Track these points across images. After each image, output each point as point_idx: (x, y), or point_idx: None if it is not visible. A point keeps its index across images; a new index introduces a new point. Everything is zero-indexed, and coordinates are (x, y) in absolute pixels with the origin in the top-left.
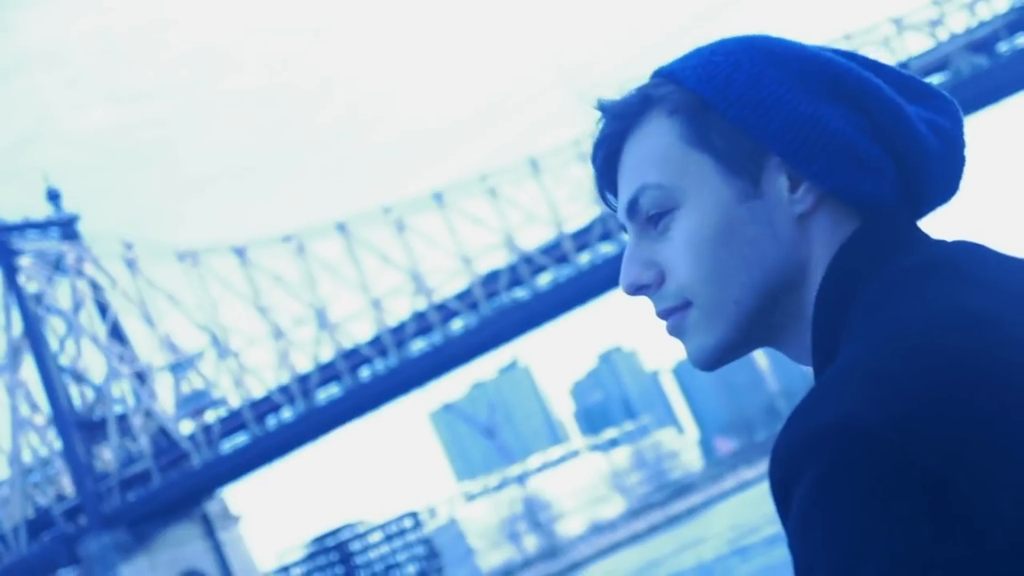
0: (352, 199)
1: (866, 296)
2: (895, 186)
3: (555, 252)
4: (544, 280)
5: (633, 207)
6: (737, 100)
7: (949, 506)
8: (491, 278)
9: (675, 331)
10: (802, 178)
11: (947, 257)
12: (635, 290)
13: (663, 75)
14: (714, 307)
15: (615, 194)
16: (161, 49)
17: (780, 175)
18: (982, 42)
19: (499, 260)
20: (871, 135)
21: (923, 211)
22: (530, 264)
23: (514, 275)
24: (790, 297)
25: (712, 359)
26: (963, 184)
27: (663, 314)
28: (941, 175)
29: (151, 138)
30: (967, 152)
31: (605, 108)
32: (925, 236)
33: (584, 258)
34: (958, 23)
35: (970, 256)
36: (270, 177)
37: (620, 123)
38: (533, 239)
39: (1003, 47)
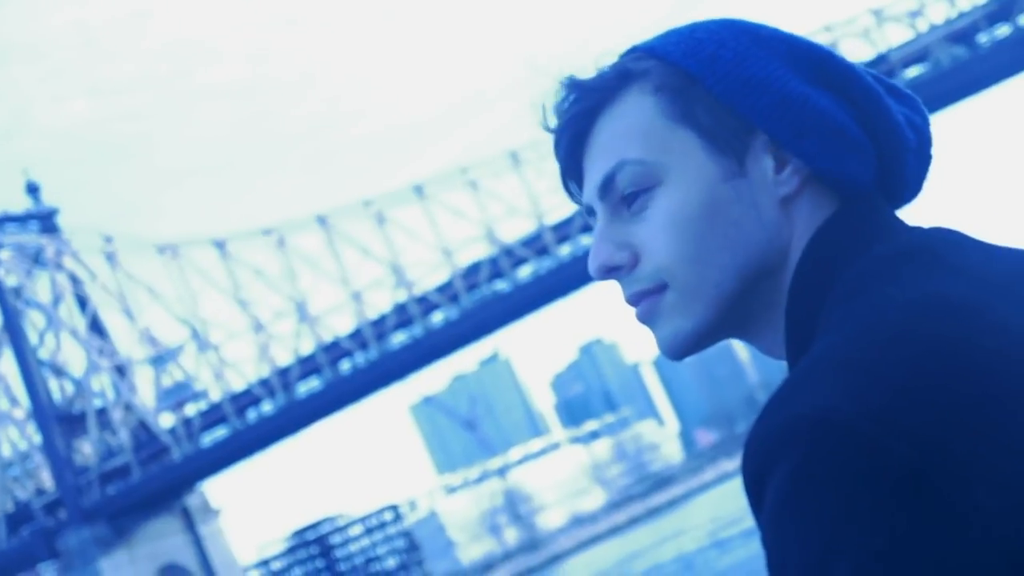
0: (332, 192)
1: (843, 283)
2: (875, 174)
3: (536, 244)
4: (525, 272)
5: (608, 185)
6: (725, 76)
7: (927, 500)
8: (472, 270)
9: (647, 316)
10: (789, 158)
11: (925, 244)
12: (606, 272)
13: (642, 50)
14: (693, 289)
15: (577, 179)
16: (140, 41)
17: (766, 155)
18: (962, 33)
19: (480, 252)
20: (855, 120)
21: (894, 205)
22: (511, 256)
23: (495, 267)
24: (768, 283)
25: (685, 345)
26: (927, 185)
27: (635, 297)
28: (915, 169)
29: (130, 131)
30: (933, 152)
31: (576, 84)
32: (902, 223)
33: (565, 250)
34: (938, 14)
35: (948, 243)
36: (250, 170)
37: (594, 99)
38: (514, 231)
39: (983, 38)
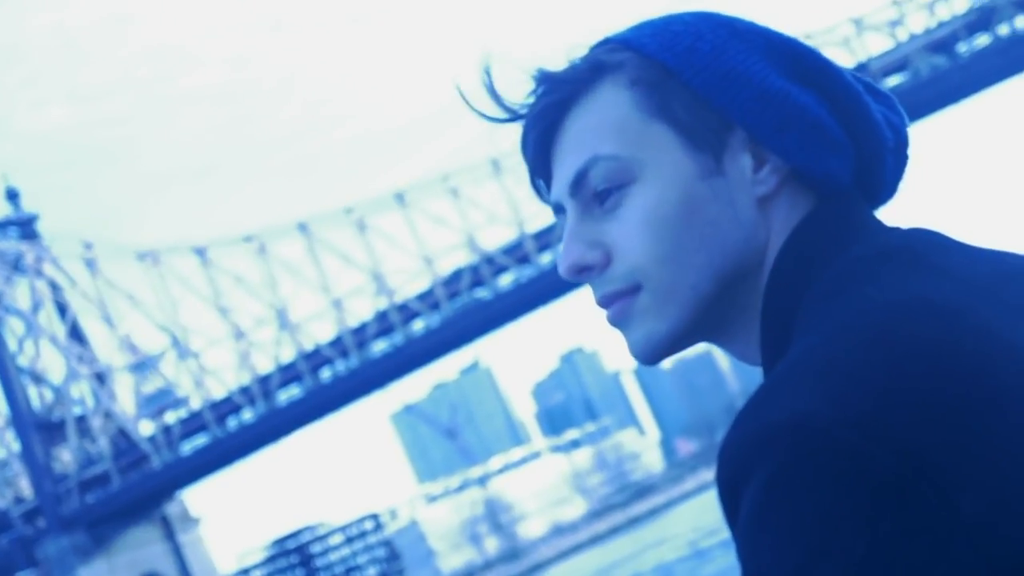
0: (313, 199)
1: (821, 284)
2: (853, 173)
3: (517, 252)
4: (506, 280)
5: (580, 181)
6: (703, 70)
7: (908, 509)
8: (452, 278)
9: (619, 318)
10: (767, 156)
11: (906, 244)
12: (576, 272)
13: (616, 42)
14: (668, 291)
15: (546, 176)
16: (120, 46)
17: (744, 152)
18: (941, 43)
19: (460, 260)
20: (834, 117)
21: (872, 206)
22: (492, 264)
23: (476, 275)
24: (745, 285)
25: (659, 349)
26: (903, 187)
27: (607, 299)
28: (893, 169)
29: (110, 136)
30: (910, 153)
31: (547, 76)
32: (881, 223)
33: (546, 258)
34: (918, 24)
35: (929, 244)
36: (231, 176)
37: (565, 91)
38: (495, 239)
39: (962, 48)
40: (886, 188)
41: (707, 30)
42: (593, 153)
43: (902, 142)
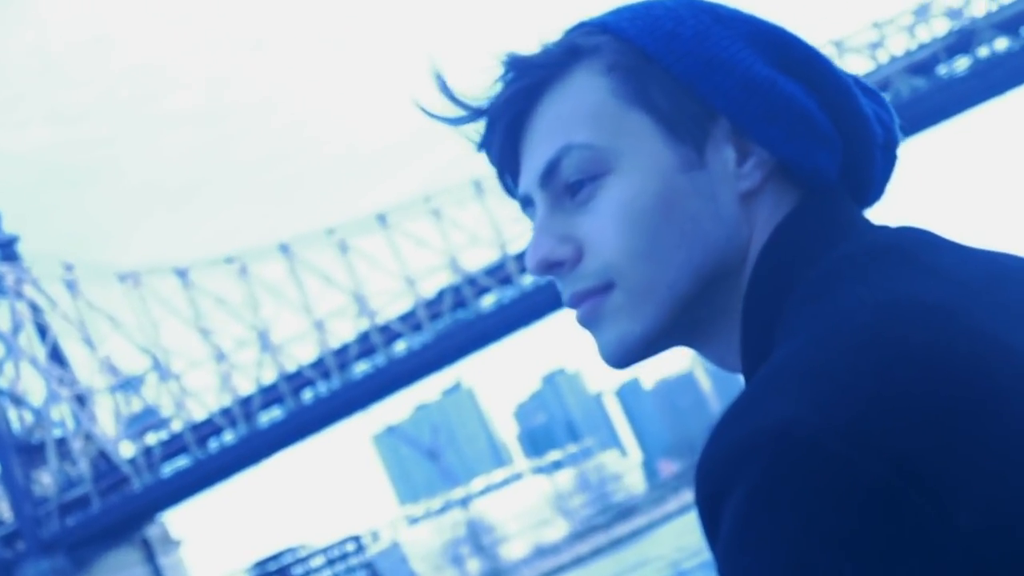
0: (295, 220)
1: (806, 284)
2: (840, 168)
3: (499, 273)
4: (488, 301)
5: (551, 171)
6: (685, 55)
7: (900, 522)
8: (434, 299)
9: (590, 318)
10: (751, 149)
11: (895, 243)
12: (546, 268)
13: (592, 25)
14: (643, 290)
15: (513, 169)
16: (101, 67)
17: (727, 145)
18: (922, 65)
19: (443, 281)
20: (822, 109)
21: (859, 205)
22: (474, 285)
23: (458, 296)
24: (725, 285)
25: (631, 352)
26: (891, 189)
27: (578, 297)
28: (882, 167)
29: (92, 157)
30: (900, 152)
31: (517, 61)
32: (869, 221)
33: (527, 279)
34: (898, 46)
35: (920, 243)
36: (212, 197)
37: (536, 76)
38: (477, 260)
39: (942, 70)
40: (875, 187)
41: (689, 15)
42: (566, 141)
43: (892, 140)
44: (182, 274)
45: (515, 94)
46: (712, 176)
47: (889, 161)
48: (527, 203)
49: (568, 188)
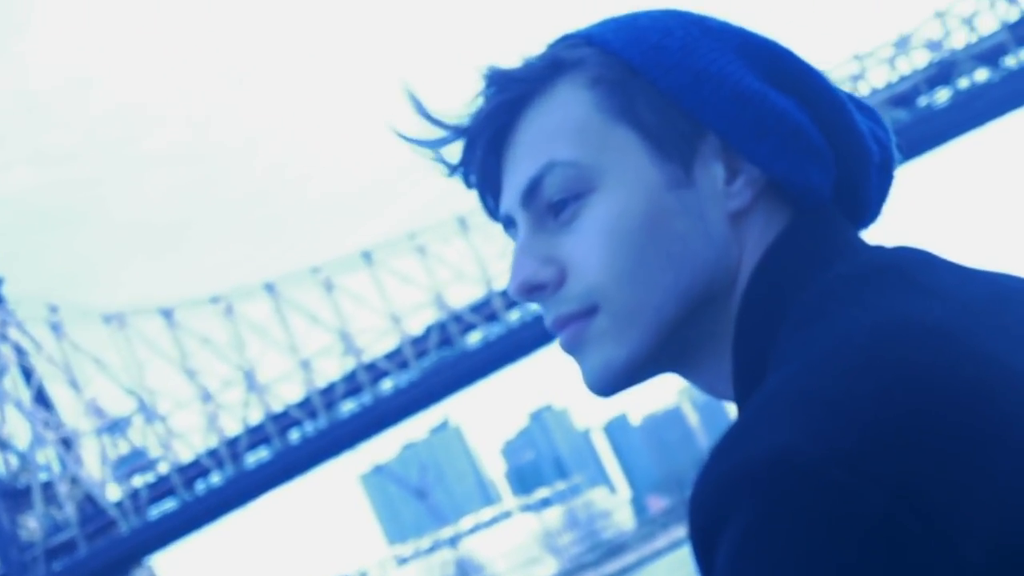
0: (280, 259)
1: (800, 307)
2: (834, 186)
3: (485, 310)
4: (474, 338)
5: (534, 189)
6: (673, 68)
7: (904, 554)
8: (421, 337)
9: (574, 343)
10: (741, 166)
11: (892, 263)
12: (528, 290)
13: (576, 38)
14: (629, 313)
15: (494, 188)
16: (83, 108)
17: (716, 162)
18: (902, 97)
19: (428, 319)
20: (816, 125)
21: (854, 226)
22: (460, 322)
23: (444, 333)
24: (715, 308)
25: (617, 379)
26: (886, 210)
27: (561, 321)
28: (878, 186)
29: (75, 198)
30: (896, 172)
31: (498, 74)
32: (863, 241)
33: (514, 316)
34: (879, 78)
35: (918, 263)
36: (197, 237)
37: (517, 90)
38: (463, 297)
39: (923, 101)
40: (871, 207)
41: (677, 26)
42: (549, 159)
43: (888, 158)
44: (167, 314)
45: (495, 109)
46: (700, 194)
47: (885, 181)
48: (509, 224)
49: (551, 207)
